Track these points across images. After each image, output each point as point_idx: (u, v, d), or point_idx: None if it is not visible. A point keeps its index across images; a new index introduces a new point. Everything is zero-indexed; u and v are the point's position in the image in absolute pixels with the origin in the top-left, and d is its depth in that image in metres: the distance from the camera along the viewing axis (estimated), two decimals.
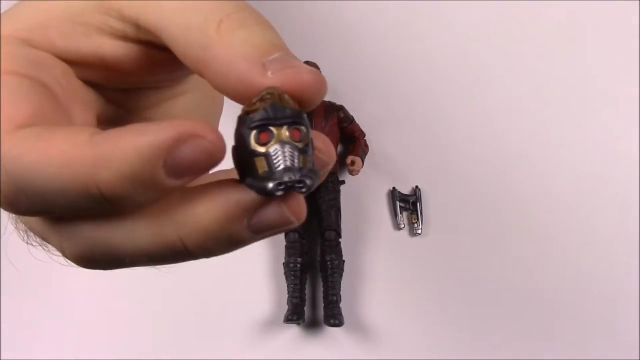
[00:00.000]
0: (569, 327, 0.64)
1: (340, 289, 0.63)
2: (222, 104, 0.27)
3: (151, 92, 0.23)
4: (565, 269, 0.65)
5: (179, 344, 0.63)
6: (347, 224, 0.65)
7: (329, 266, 0.63)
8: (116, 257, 0.18)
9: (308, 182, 0.16)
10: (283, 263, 0.64)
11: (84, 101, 0.20)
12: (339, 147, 0.69)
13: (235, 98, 0.17)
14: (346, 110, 0.67)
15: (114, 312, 0.64)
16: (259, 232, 0.17)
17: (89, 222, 0.17)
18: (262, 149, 0.16)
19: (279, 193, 0.16)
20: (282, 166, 0.16)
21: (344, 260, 0.64)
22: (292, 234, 0.64)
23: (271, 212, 0.17)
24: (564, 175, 0.68)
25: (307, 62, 0.67)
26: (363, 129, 0.67)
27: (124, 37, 0.19)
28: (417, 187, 0.67)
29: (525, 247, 0.66)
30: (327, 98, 0.68)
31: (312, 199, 0.65)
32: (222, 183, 0.17)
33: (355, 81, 0.70)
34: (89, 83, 0.21)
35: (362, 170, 0.65)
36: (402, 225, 0.66)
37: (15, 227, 0.24)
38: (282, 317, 0.62)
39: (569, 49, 0.71)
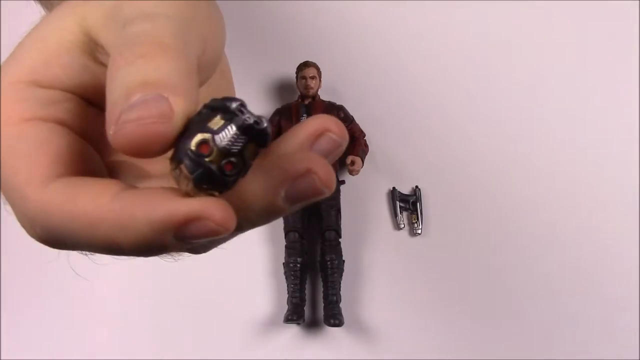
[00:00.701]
0: (569, 327, 0.64)
1: (340, 289, 0.63)
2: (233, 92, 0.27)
3: None
4: (566, 269, 0.65)
5: (179, 344, 0.63)
6: (347, 224, 0.65)
7: (329, 266, 0.63)
8: (178, 250, 0.20)
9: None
10: (283, 263, 0.64)
11: (101, 125, 0.21)
12: None
13: None
14: (346, 110, 0.67)
15: (113, 312, 0.64)
16: (293, 202, 0.18)
17: None
18: (217, 146, 0.17)
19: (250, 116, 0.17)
20: (231, 130, 0.17)
21: (344, 260, 0.64)
22: (292, 234, 0.64)
23: (304, 183, 0.18)
24: (564, 175, 0.68)
25: (307, 62, 0.67)
26: (363, 129, 0.67)
27: None
28: (417, 187, 0.67)
29: (525, 247, 0.66)
30: (327, 98, 0.68)
31: None
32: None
33: (355, 81, 0.70)
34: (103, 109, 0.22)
35: (362, 170, 0.65)
36: (402, 225, 0.66)
37: None
38: (282, 317, 0.62)
39: (569, 49, 0.71)
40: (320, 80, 0.67)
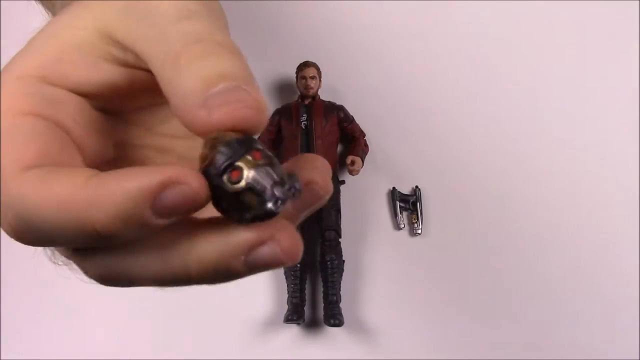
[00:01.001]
0: (569, 327, 0.64)
1: (340, 289, 0.63)
2: None
3: (164, 107, 0.24)
4: (565, 269, 0.66)
5: (179, 344, 0.63)
6: (347, 224, 0.65)
7: (329, 266, 0.63)
8: (131, 280, 0.20)
9: (297, 185, 0.17)
10: None
11: (99, 131, 0.21)
12: (339, 147, 0.69)
13: (192, 132, 0.18)
14: (346, 110, 0.67)
15: (113, 312, 0.64)
16: (254, 269, 0.18)
17: (104, 252, 0.19)
18: (242, 185, 0.17)
19: (281, 208, 0.17)
20: (268, 186, 0.17)
21: (344, 260, 0.64)
22: None
23: (265, 252, 0.18)
24: (564, 175, 0.68)
25: (307, 62, 0.67)
26: (363, 129, 0.67)
27: (127, 64, 0.21)
28: (417, 187, 0.67)
29: (525, 247, 0.66)
30: (327, 98, 0.68)
31: None
32: (222, 222, 0.18)
33: (355, 81, 0.70)
34: (105, 110, 0.22)
35: (362, 170, 0.66)
36: (402, 225, 0.66)
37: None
38: (282, 317, 0.62)
39: (569, 49, 0.71)
40: (320, 80, 0.67)
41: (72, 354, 0.62)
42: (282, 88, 0.70)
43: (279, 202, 0.17)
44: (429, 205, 0.67)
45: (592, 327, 0.64)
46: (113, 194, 0.16)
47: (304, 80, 0.66)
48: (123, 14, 0.20)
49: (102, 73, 0.21)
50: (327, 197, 0.19)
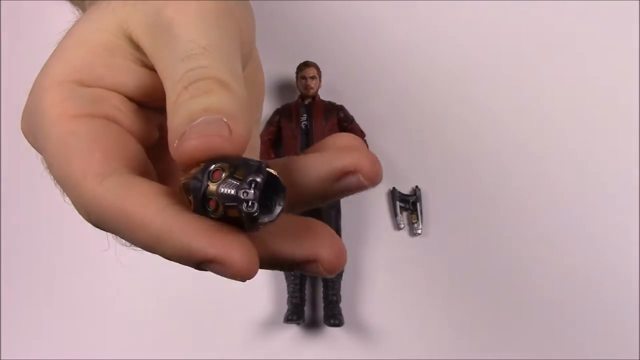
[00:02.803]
0: (569, 327, 0.64)
1: (340, 289, 0.63)
2: (263, 93, 0.30)
3: None
4: (566, 269, 0.65)
5: (178, 344, 0.63)
6: (347, 224, 0.65)
7: None
8: None
9: (259, 179, 0.18)
10: None
11: (143, 118, 0.23)
12: None
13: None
14: (346, 111, 0.67)
15: (113, 312, 0.64)
16: (342, 194, 0.21)
17: None
18: (220, 211, 0.19)
19: (256, 207, 0.18)
20: (236, 193, 0.18)
21: None
22: None
23: (351, 179, 0.21)
24: (564, 175, 0.68)
25: (307, 62, 0.67)
26: (363, 129, 0.67)
27: (154, 69, 0.21)
28: (417, 187, 0.67)
29: (526, 247, 0.66)
30: (327, 98, 0.68)
31: None
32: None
33: (355, 81, 0.70)
34: (139, 103, 0.23)
35: None
36: (402, 225, 0.66)
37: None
38: (282, 317, 0.62)
39: (569, 49, 0.71)
40: (320, 80, 0.67)
41: (73, 354, 0.62)
42: (282, 88, 0.70)
43: (250, 202, 0.18)
44: (429, 205, 0.67)
45: (592, 327, 0.64)
46: (172, 242, 0.18)
47: (304, 80, 0.66)
48: (148, 26, 0.21)
49: (135, 75, 0.22)
50: (373, 187, 0.21)
